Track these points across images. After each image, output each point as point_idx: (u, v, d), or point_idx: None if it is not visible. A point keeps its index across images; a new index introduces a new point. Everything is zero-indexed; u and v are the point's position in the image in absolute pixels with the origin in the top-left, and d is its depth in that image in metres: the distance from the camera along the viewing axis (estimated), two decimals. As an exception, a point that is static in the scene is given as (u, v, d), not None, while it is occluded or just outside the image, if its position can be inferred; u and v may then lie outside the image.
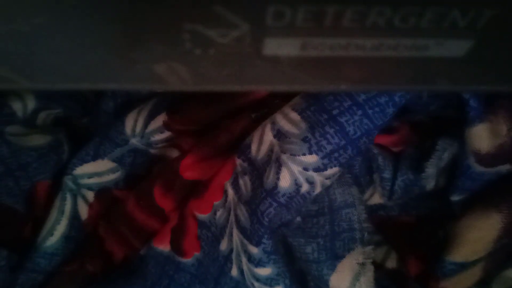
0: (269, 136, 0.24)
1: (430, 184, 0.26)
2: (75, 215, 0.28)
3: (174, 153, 0.27)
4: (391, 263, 0.27)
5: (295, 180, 0.23)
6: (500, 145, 0.23)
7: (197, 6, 0.12)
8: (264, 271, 0.24)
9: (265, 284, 0.24)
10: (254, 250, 0.23)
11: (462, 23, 0.12)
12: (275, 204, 0.23)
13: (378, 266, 0.27)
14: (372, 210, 0.27)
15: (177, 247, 0.26)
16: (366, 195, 0.27)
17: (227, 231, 0.25)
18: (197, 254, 0.26)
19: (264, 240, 0.23)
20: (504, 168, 0.24)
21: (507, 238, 0.24)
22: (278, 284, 0.24)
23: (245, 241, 0.24)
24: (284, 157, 0.23)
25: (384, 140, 0.27)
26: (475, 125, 0.23)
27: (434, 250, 0.26)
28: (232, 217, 0.25)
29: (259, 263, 0.23)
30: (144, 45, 0.14)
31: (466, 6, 0.12)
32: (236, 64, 0.14)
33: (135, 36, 0.13)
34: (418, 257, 0.27)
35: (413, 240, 0.27)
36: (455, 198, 0.25)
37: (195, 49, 0.14)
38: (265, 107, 0.26)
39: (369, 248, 0.24)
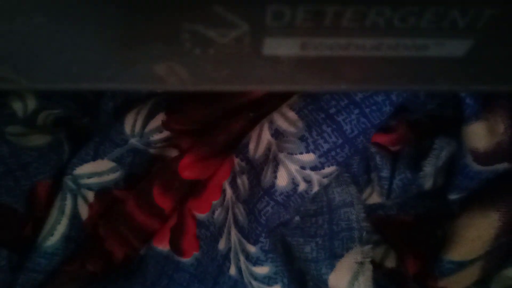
0: (266, 135, 0.24)
1: (428, 183, 0.26)
2: (75, 215, 0.28)
3: (173, 153, 0.27)
4: (390, 263, 0.27)
5: (292, 179, 0.23)
6: (498, 143, 0.23)
7: (196, 6, 0.12)
8: (262, 270, 0.24)
9: (263, 283, 0.24)
10: (251, 248, 0.23)
11: (461, 23, 0.12)
12: (272, 203, 0.23)
13: (377, 266, 0.27)
14: (370, 210, 0.27)
15: (176, 247, 0.26)
16: (365, 195, 0.27)
17: (225, 230, 0.25)
18: (196, 253, 0.26)
19: (262, 239, 0.23)
20: (501, 166, 0.24)
21: (505, 237, 0.24)
22: (276, 283, 0.24)
23: (243, 240, 0.24)
24: (281, 156, 0.23)
25: (382, 139, 0.27)
26: (471, 123, 0.23)
27: (432, 249, 0.26)
28: (230, 216, 0.25)
29: (256, 262, 0.24)
30: (143, 45, 0.14)
31: (466, 6, 0.12)
32: (236, 64, 0.15)
33: (135, 36, 0.13)
34: (417, 256, 0.27)
35: (411, 239, 0.27)
36: (453, 197, 0.25)
37: (194, 49, 0.14)
38: (263, 106, 0.26)
39: (367, 247, 0.24)
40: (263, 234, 0.23)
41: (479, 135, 0.23)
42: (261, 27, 0.13)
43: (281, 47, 0.14)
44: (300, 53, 0.14)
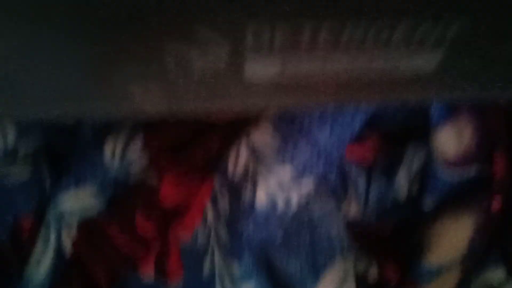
0: (244, 152, 0.24)
1: (403, 193, 0.26)
2: (59, 247, 0.27)
3: (154, 176, 0.27)
4: (373, 274, 0.27)
5: (271, 195, 0.23)
6: (466, 147, 0.23)
7: (177, 26, 0.12)
8: None
9: None
10: (235, 267, 0.23)
11: (432, 36, 0.13)
12: (253, 221, 0.23)
13: (360, 278, 0.27)
14: (349, 222, 0.28)
15: (162, 274, 0.26)
16: (343, 207, 0.27)
17: (209, 252, 0.25)
18: (181, 278, 0.26)
19: (245, 257, 0.23)
20: (472, 169, 0.24)
21: (481, 239, 0.24)
22: None
23: (227, 260, 0.24)
24: (259, 171, 0.23)
25: (356, 150, 0.27)
26: (439, 129, 0.23)
27: (411, 257, 0.26)
28: (212, 237, 0.24)
29: (241, 280, 0.23)
30: (122, 67, 0.14)
31: (436, 19, 0.12)
32: (216, 83, 0.15)
33: (113, 58, 0.13)
34: (396, 265, 0.27)
35: (390, 248, 0.28)
36: (427, 203, 0.26)
37: (174, 69, 0.14)
38: (241, 121, 0.26)
39: (349, 260, 0.24)
40: (246, 252, 0.23)
41: (447, 139, 0.23)
42: (242, 46, 0.13)
43: (262, 66, 0.14)
44: (280, 71, 0.14)
